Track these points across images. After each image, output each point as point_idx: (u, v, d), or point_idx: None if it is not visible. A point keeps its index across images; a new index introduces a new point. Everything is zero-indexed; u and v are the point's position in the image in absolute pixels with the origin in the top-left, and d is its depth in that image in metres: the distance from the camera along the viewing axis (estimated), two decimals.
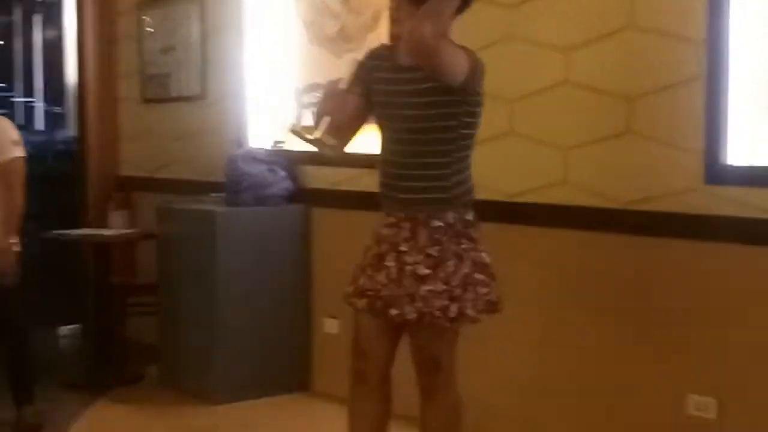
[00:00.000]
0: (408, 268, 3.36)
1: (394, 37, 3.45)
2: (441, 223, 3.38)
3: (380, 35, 4.98)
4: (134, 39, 6.68)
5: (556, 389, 4.25)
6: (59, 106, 9.88)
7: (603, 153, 4.01)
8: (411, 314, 3.33)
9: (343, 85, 3.37)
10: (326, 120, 3.33)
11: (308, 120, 3.54)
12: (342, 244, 5.23)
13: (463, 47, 3.29)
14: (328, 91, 3.40)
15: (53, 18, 9.95)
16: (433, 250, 3.35)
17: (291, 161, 5.44)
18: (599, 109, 4.01)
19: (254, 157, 5.39)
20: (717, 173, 3.65)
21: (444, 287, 3.33)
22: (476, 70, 3.30)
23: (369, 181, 4.98)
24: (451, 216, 3.39)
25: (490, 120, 4.34)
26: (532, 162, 4.28)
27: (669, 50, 3.79)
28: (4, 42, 11.04)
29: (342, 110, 3.38)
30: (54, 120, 10.57)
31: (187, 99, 6.27)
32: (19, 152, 4.89)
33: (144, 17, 6.58)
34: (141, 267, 6.44)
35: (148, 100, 6.64)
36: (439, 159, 3.36)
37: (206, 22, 6.09)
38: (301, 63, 5.53)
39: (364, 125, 3.56)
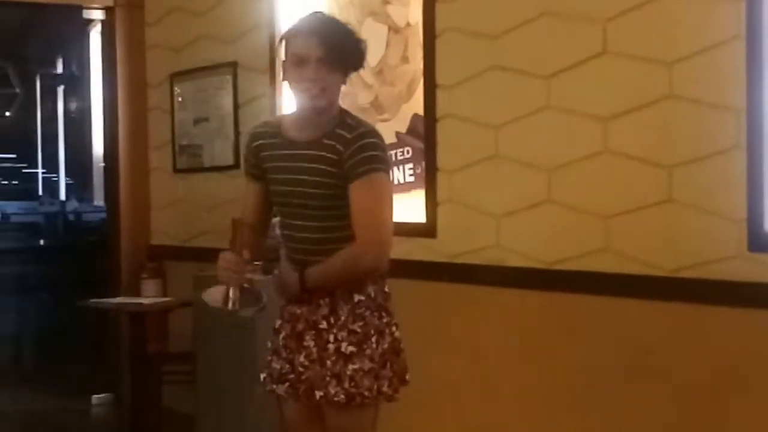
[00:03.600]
0: (330, 346, 3.25)
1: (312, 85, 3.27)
2: (362, 297, 3.28)
3: (414, 106, 5.07)
4: (166, 110, 6.79)
5: None
6: (82, 176, 10.01)
7: (645, 221, 4.05)
8: (339, 396, 3.22)
9: (237, 251, 3.26)
10: (232, 290, 3.26)
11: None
12: None
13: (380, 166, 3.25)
14: (223, 262, 3.29)
15: (77, 90, 10.10)
16: (357, 326, 3.25)
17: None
18: (639, 177, 4.06)
19: None
20: (760, 241, 3.69)
21: (371, 365, 3.25)
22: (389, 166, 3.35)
23: (404, 249, 5.05)
24: (371, 289, 3.31)
25: (526, 189, 4.46)
26: (572, 230, 4.33)
27: (708, 119, 3.85)
28: (27, 114, 11.16)
29: (242, 273, 3.26)
30: (76, 191, 10.67)
31: (219, 169, 6.35)
32: None
33: (176, 89, 6.69)
34: (173, 335, 6.48)
35: (179, 170, 6.72)
36: (352, 233, 3.25)
37: (238, 92, 6.19)
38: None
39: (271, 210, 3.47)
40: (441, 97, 4.86)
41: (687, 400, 3.93)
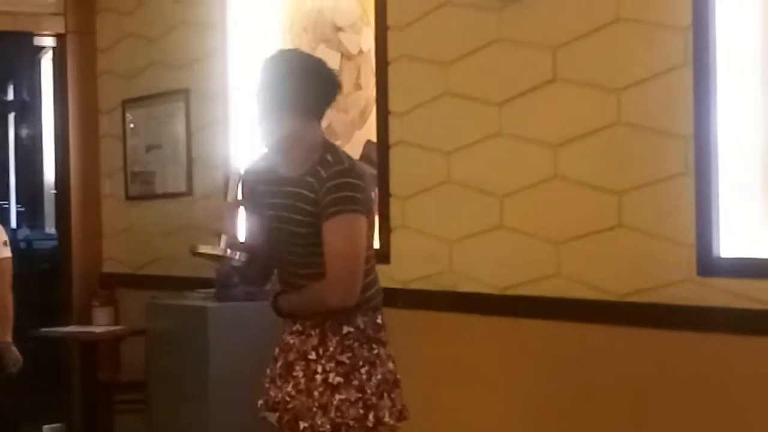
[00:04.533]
0: (318, 377, 3.28)
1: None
2: (351, 329, 3.32)
3: (367, 133, 5.09)
4: (118, 137, 6.75)
5: None
6: (33, 204, 9.92)
7: (595, 246, 4.08)
8: (325, 426, 3.24)
9: (232, 199, 3.37)
10: (224, 238, 3.31)
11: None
12: None
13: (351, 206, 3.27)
14: (222, 209, 3.39)
15: (28, 117, 10.03)
16: (344, 357, 3.28)
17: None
18: (589, 203, 4.10)
19: None
20: (709, 265, 3.72)
21: (358, 395, 3.26)
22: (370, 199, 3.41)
23: None
24: (360, 321, 3.34)
25: (479, 214, 4.48)
26: (523, 255, 4.35)
27: (657, 145, 3.89)
28: None
29: (235, 224, 3.36)
30: (27, 218, 10.57)
31: (172, 196, 6.32)
32: (8, 252, 4.97)
33: (128, 115, 6.66)
34: (125, 364, 6.43)
35: (132, 198, 6.69)
36: None
37: (191, 119, 6.17)
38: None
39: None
40: (394, 123, 4.88)
41: (639, 422, 3.96)
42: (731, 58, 3.71)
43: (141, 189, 6.60)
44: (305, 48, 5.43)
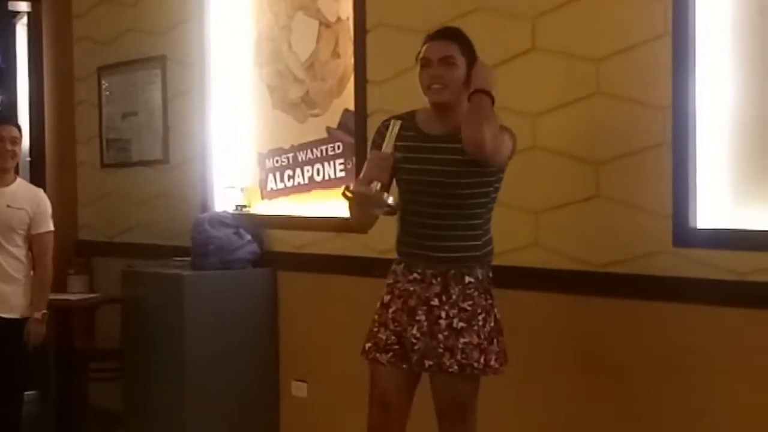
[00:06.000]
0: (442, 321, 3.54)
1: (435, 82, 3.59)
2: (472, 279, 3.59)
3: (345, 101, 5.06)
4: (94, 104, 6.70)
5: None
6: None
7: (572, 216, 4.09)
8: (453, 366, 3.51)
9: (388, 150, 3.51)
10: (376, 184, 3.46)
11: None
12: (309, 306, 5.27)
13: (507, 130, 3.54)
14: (377, 157, 3.53)
15: (3, 83, 9.93)
16: (467, 305, 3.56)
17: (256, 225, 5.48)
18: (568, 173, 4.11)
19: (220, 220, 5.42)
20: (685, 236, 3.74)
21: (478, 340, 3.54)
22: (515, 151, 3.58)
23: (334, 245, 5.06)
24: (479, 273, 3.61)
25: None
26: (501, 225, 4.33)
27: (635, 116, 3.90)
28: None
29: (388, 172, 3.52)
30: None
31: (148, 164, 6.29)
32: (51, 226, 5.02)
33: (104, 82, 6.61)
34: (100, 332, 6.41)
35: (107, 165, 6.65)
36: (473, 221, 3.59)
37: (168, 87, 6.13)
38: (265, 128, 5.59)
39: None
40: (372, 92, 4.87)
41: (617, 390, 3.98)
42: (710, 29, 3.70)
43: (117, 156, 6.56)
44: (283, 16, 5.40)
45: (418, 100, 4.61)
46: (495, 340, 3.59)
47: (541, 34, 4.18)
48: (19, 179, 5.31)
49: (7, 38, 7.29)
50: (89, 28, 6.76)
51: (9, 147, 5.10)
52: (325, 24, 5.19)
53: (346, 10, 5.04)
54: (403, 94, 4.69)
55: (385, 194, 3.48)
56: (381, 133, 3.65)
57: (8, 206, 5.07)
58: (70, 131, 6.90)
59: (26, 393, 6.79)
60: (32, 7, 6.82)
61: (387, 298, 3.67)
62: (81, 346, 6.09)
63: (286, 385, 5.40)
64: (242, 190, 5.59)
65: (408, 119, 3.66)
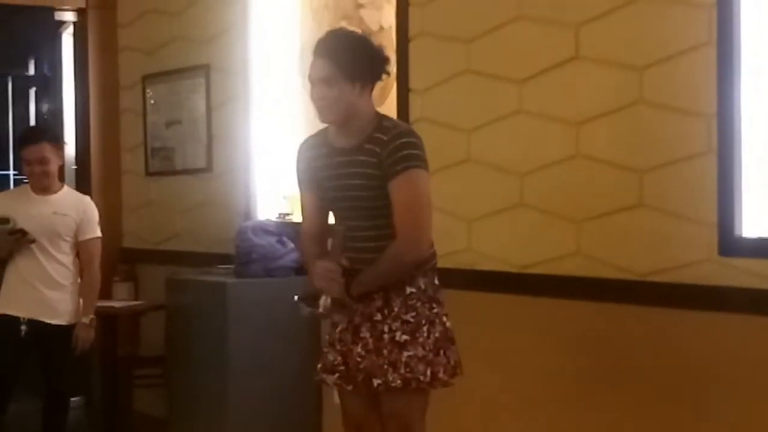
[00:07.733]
0: (386, 336, 3.45)
1: (319, 103, 3.50)
2: (414, 289, 3.49)
3: (387, 110, 5.06)
4: (138, 113, 6.76)
5: None
6: None
7: (616, 225, 4.07)
8: (396, 381, 3.41)
9: (334, 258, 3.46)
10: (326, 299, 3.43)
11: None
12: None
13: (415, 165, 3.43)
14: (325, 270, 3.44)
15: (49, 92, 10.03)
16: (409, 316, 3.46)
17: (299, 233, 5.49)
18: (611, 182, 4.09)
19: (263, 228, 5.44)
20: (730, 245, 3.71)
21: (423, 352, 3.44)
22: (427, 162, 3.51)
23: None
24: (422, 281, 3.51)
25: (499, 193, 4.47)
26: (543, 234, 4.34)
27: (679, 124, 3.87)
28: None
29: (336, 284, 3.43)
30: None
31: (192, 172, 6.33)
32: (99, 232, 5.08)
33: (148, 91, 6.66)
34: (145, 339, 6.45)
35: (152, 173, 6.70)
36: None
37: (212, 95, 6.17)
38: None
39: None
40: (414, 100, 4.87)
41: (660, 402, 3.95)
42: (755, 37, 3.68)
43: (161, 165, 6.61)
44: (326, 25, 5.42)
45: (461, 109, 4.64)
46: (442, 351, 3.48)
47: (584, 43, 4.16)
48: (66, 187, 5.35)
49: (54, 48, 7.38)
50: (134, 38, 6.82)
51: (37, 169, 5.10)
52: (367, 33, 5.19)
53: (389, 19, 5.05)
54: (446, 102, 4.71)
55: (330, 312, 3.44)
56: (301, 160, 3.65)
57: (54, 213, 5.12)
58: (115, 140, 6.96)
59: (71, 400, 6.93)
60: (78, 17, 6.90)
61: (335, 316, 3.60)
62: (125, 352, 6.13)
63: (328, 392, 5.39)
64: (285, 198, 5.60)
65: (321, 136, 3.63)
